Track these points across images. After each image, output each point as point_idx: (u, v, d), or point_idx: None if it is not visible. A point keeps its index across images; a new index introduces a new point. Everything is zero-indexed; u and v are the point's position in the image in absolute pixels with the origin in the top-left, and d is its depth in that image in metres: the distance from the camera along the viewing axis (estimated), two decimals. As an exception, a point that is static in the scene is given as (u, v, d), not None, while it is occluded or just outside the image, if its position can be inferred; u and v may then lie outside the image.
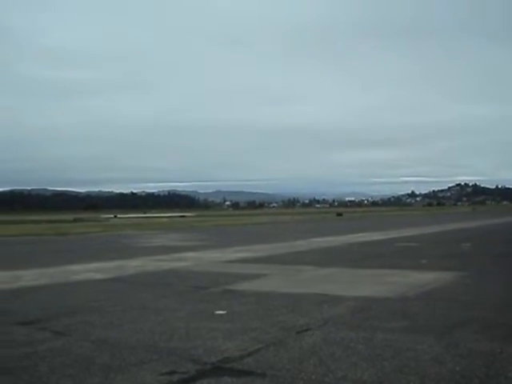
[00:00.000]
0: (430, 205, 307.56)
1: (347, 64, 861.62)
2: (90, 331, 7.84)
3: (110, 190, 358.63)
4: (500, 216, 74.31)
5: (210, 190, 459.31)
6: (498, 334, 7.27)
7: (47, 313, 9.37)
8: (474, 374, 5.54)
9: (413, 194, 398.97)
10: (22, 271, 15.72)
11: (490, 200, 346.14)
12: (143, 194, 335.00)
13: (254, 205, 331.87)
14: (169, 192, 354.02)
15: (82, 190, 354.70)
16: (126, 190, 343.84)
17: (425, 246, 23.60)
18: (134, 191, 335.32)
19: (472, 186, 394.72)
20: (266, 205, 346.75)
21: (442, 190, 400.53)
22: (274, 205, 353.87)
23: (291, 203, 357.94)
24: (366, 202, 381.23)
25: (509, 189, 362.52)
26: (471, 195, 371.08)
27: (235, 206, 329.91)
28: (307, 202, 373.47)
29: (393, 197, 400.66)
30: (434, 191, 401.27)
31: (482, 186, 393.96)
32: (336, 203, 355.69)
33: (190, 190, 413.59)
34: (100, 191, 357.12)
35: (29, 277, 14.51)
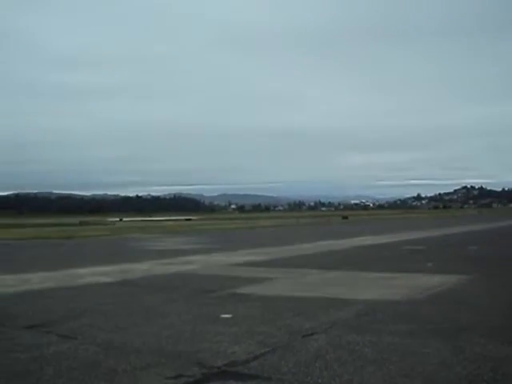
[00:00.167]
0: (436, 208, 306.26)
1: (356, 66, 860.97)
2: (96, 335, 7.85)
3: (115, 193, 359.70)
4: (506, 219, 74.09)
5: (216, 194, 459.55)
6: (505, 337, 7.22)
7: (53, 316, 9.38)
8: (482, 378, 5.50)
9: (419, 197, 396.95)
10: (28, 274, 15.78)
11: (496, 202, 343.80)
12: (148, 197, 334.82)
13: (260, 208, 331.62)
14: (174, 195, 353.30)
15: (88, 193, 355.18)
16: (131, 194, 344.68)
17: (431, 249, 23.53)
18: (140, 194, 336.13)
19: (478, 188, 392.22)
20: (272, 208, 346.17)
21: (448, 193, 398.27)
22: (280, 208, 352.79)
23: (297, 206, 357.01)
24: (371, 205, 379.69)
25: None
26: (477, 198, 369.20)
27: (241, 209, 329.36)
28: (313, 205, 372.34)
29: (399, 200, 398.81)
30: (440, 194, 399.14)
31: (489, 188, 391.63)
32: (342, 206, 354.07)
33: (196, 193, 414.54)
34: (105, 194, 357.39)
35: (35, 280, 14.57)
